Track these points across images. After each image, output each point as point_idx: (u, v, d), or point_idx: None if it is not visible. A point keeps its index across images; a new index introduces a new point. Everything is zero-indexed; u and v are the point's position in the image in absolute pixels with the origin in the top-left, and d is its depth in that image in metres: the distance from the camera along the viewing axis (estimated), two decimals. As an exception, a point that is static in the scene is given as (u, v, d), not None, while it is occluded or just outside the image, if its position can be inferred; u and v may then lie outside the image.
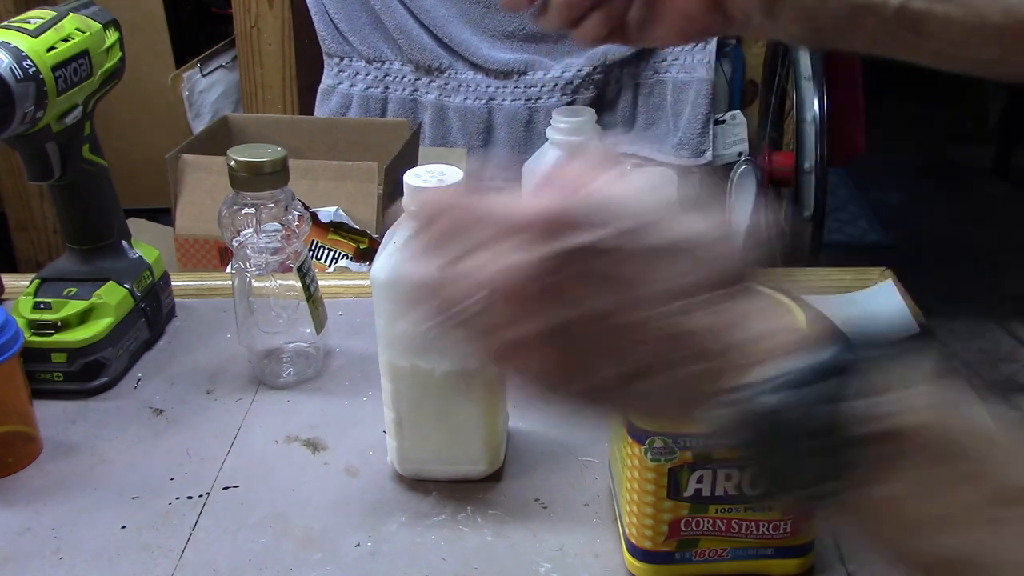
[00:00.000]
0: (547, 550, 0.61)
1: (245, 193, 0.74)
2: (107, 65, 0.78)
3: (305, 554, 0.61)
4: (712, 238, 0.39)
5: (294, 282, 0.77)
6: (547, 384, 0.41)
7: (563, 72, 1.95)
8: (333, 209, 1.47)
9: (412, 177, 0.61)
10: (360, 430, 0.73)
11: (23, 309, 0.77)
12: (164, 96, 2.01)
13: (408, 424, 0.65)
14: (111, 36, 0.79)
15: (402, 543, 0.62)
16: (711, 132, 1.97)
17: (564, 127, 0.70)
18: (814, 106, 1.74)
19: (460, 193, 0.43)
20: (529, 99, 1.97)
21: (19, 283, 0.91)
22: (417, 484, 0.67)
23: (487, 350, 0.41)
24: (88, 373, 0.77)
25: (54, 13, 0.74)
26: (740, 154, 1.99)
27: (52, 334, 0.76)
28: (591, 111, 0.71)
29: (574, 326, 0.38)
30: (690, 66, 1.96)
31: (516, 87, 1.97)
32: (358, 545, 0.62)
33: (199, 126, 1.98)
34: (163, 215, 1.73)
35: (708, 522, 0.56)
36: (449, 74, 1.98)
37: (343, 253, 1.41)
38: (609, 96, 2.00)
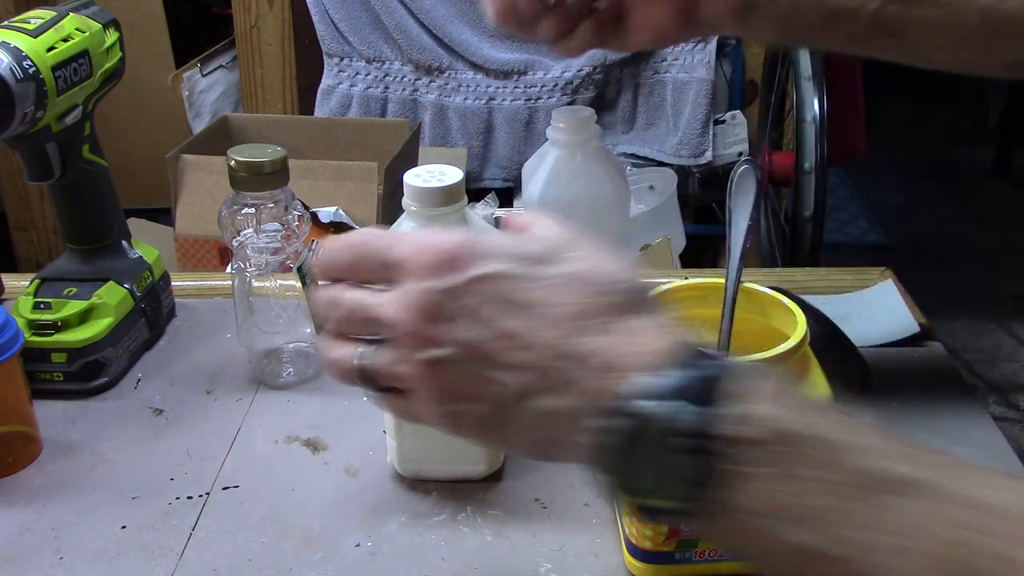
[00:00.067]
0: (547, 550, 0.61)
1: (245, 193, 0.74)
2: (107, 65, 0.78)
3: (305, 554, 0.61)
4: (606, 268, 0.43)
5: (294, 282, 0.77)
6: (439, 412, 0.44)
7: (563, 72, 1.95)
8: (333, 209, 1.47)
9: (412, 177, 0.61)
10: (360, 430, 0.73)
11: (23, 309, 0.77)
12: (164, 96, 2.01)
13: (408, 424, 0.65)
14: (111, 36, 0.79)
15: (402, 543, 0.62)
16: (711, 132, 1.97)
17: (564, 127, 0.70)
18: (814, 106, 1.74)
19: (366, 234, 0.47)
20: (529, 99, 1.97)
21: (19, 283, 0.91)
22: (417, 484, 0.67)
23: (381, 380, 0.46)
24: (88, 373, 0.77)
25: (54, 13, 0.74)
26: (740, 154, 1.99)
27: (52, 334, 0.76)
28: (591, 111, 0.71)
29: (459, 353, 0.42)
30: (690, 66, 1.96)
31: (516, 87, 1.97)
32: (358, 545, 0.62)
33: (199, 126, 1.98)
34: (163, 215, 1.73)
35: (708, 522, 0.56)
36: (449, 74, 1.98)
37: (343, 253, 1.41)
38: (609, 96, 2.00)
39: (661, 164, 1.99)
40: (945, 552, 0.35)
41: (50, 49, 0.71)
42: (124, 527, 0.64)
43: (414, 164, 1.60)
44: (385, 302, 0.44)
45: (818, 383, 0.56)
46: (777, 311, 0.60)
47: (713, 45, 1.93)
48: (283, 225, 0.76)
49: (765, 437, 0.37)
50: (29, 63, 0.69)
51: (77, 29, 0.75)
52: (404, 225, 0.62)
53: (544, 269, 0.43)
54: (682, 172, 1.97)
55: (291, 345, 0.80)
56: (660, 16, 0.62)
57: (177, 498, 0.66)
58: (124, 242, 0.84)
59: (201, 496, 0.67)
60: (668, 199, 1.83)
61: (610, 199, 0.71)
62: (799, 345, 0.55)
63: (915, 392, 0.77)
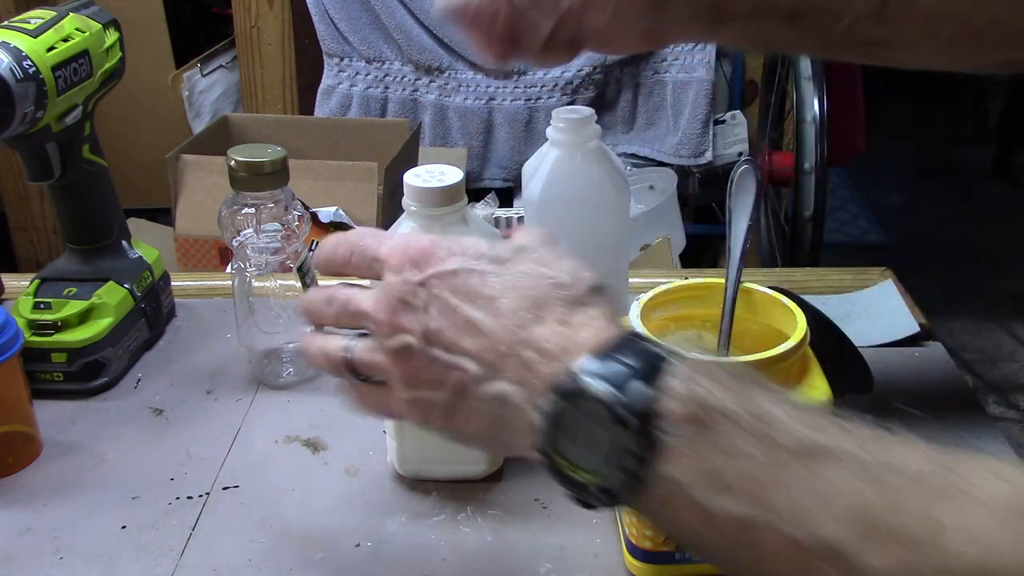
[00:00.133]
0: (547, 550, 0.61)
1: (245, 193, 0.74)
2: (107, 65, 0.78)
3: (305, 554, 0.61)
4: (561, 267, 0.47)
5: (294, 282, 0.77)
6: (408, 399, 0.49)
7: (563, 72, 1.95)
8: (333, 209, 1.47)
9: (412, 177, 0.61)
10: (360, 430, 0.73)
11: (23, 309, 0.77)
12: (164, 96, 2.01)
13: (408, 424, 0.65)
14: (111, 36, 0.79)
15: (402, 543, 0.62)
16: (711, 132, 1.98)
17: (564, 127, 0.70)
18: (814, 106, 1.74)
19: (362, 232, 0.52)
20: (529, 99, 1.97)
21: (19, 283, 0.91)
22: (417, 484, 0.67)
23: (360, 369, 0.50)
24: (88, 373, 0.77)
25: (54, 13, 0.74)
26: (740, 154, 1.99)
27: (52, 334, 0.76)
28: (591, 111, 0.71)
29: (424, 340, 0.46)
30: (690, 66, 1.96)
31: (516, 87, 1.97)
32: (358, 545, 0.62)
33: (199, 126, 1.98)
34: (163, 215, 1.74)
35: (708, 522, 0.56)
36: (449, 74, 1.99)
37: (343, 253, 1.41)
38: (609, 96, 2.00)
39: (661, 164, 1.99)
40: (863, 508, 0.36)
41: (50, 49, 0.71)
42: (124, 527, 0.64)
43: (414, 164, 1.60)
44: (367, 296, 0.50)
45: (818, 383, 0.56)
46: (777, 311, 0.60)
47: (713, 45, 1.93)
48: (283, 225, 0.76)
49: (700, 413, 0.39)
50: (29, 63, 0.69)
51: (77, 29, 0.75)
52: (404, 225, 0.62)
53: (506, 267, 0.47)
54: (682, 172, 1.97)
55: (291, 345, 0.80)
56: (628, 31, 0.61)
57: (177, 498, 0.66)
58: (124, 242, 0.84)
59: (201, 496, 0.67)
60: (668, 199, 1.83)
61: (610, 199, 0.71)
62: (799, 345, 0.55)
63: (915, 392, 0.77)
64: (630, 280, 0.77)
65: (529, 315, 0.45)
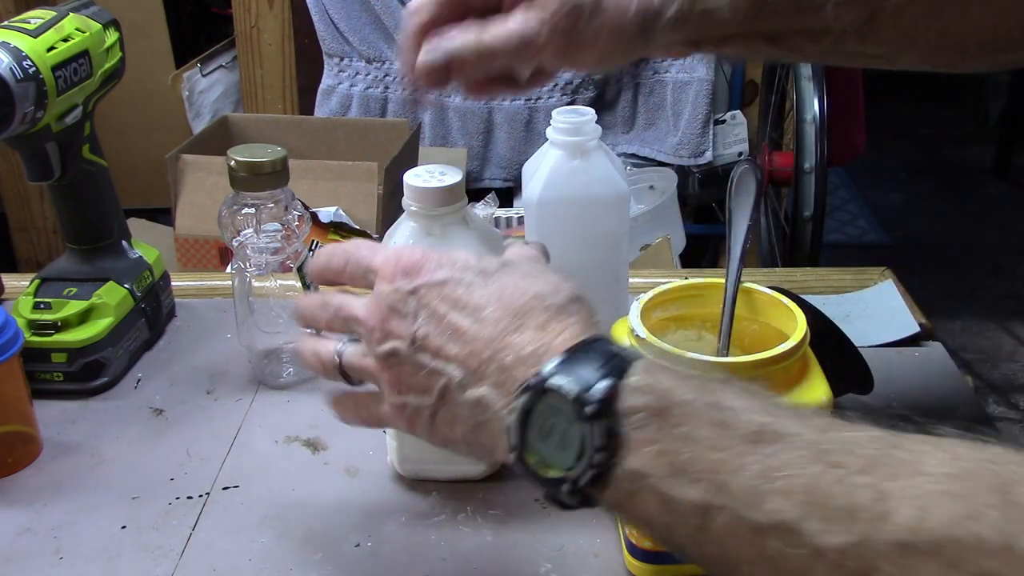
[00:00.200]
0: (547, 550, 0.61)
1: (245, 193, 0.74)
2: (107, 65, 0.78)
3: (305, 554, 0.61)
4: (544, 279, 0.49)
5: (294, 282, 0.77)
6: (395, 404, 0.51)
7: (563, 72, 1.95)
8: (333, 209, 1.47)
9: (412, 177, 0.61)
10: (360, 430, 0.72)
11: (23, 309, 0.77)
12: (164, 96, 2.01)
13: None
14: (111, 36, 0.79)
15: (402, 543, 0.62)
16: (711, 132, 1.98)
17: (564, 127, 0.70)
18: (814, 106, 1.74)
19: (357, 243, 0.54)
20: (529, 99, 1.97)
21: (19, 283, 0.91)
22: (417, 484, 0.67)
23: (352, 373, 0.53)
24: (88, 373, 0.77)
25: (54, 13, 0.74)
26: (740, 154, 1.99)
27: (52, 334, 0.76)
28: (591, 111, 0.71)
29: (411, 345, 0.49)
30: (690, 66, 1.96)
31: (516, 87, 1.97)
32: (358, 545, 0.62)
33: (199, 126, 1.98)
34: (163, 215, 1.73)
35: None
36: (449, 74, 1.98)
37: (343, 253, 1.41)
38: (609, 96, 2.00)
39: (661, 164, 1.99)
40: (816, 488, 0.37)
41: (50, 49, 0.71)
42: (124, 527, 0.64)
43: (414, 164, 1.60)
44: (360, 303, 0.52)
45: (818, 383, 0.56)
46: (777, 311, 0.60)
47: (713, 45, 1.93)
48: (283, 225, 0.76)
49: (659, 405, 0.41)
50: (29, 63, 0.69)
51: (77, 29, 0.75)
52: (404, 225, 0.62)
53: (492, 279, 0.49)
54: (682, 172, 1.97)
55: (291, 345, 0.80)
56: (613, 52, 0.60)
57: (177, 498, 0.66)
58: (124, 242, 0.84)
59: (201, 496, 0.67)
60: (668, 199, 1.83)
61: (610, 199, 0.71)
62: (799, 345, 0.55)
63: (915, 392, 0.77)
64: (630, 280, 0.77)
65: (511, 324, 0.47)
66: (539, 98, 1.97)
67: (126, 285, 0.81)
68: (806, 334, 0.56)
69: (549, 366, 0.44)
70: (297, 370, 0.80)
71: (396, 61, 1.97)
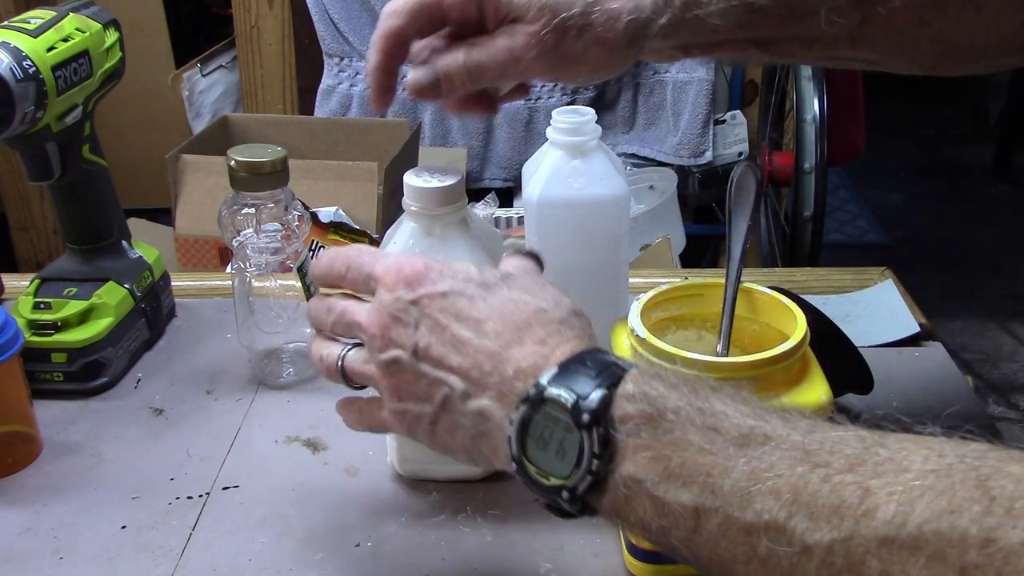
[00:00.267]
0: (547, 550, 0.61)
1: (245, 193, 0.74)
2: (107, 65, 0.78)
3: (305, 554, 0.61)
4: (545, 294, 0.50)
5: (294, 282, 0.77)
6: (395, 410, 0.51)
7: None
8: (333, 209, 1.47)
9: (412, 177, 0.61)
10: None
11: (23, 309, 0.77)
12: (164, 96, 2.01)
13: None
14: (111, 36, 0.79)
15: (402, 543, 0.62)
16: (711, 132, 1.97)
17: (564, 127, 0.70)
18: (814, 106, 1.74)
19: (359, 249, 0.54)
20: (529, 99, 1.97)
21: (19, 283, 0.91)
22: (417, 484, 0.67)
23: (354, 378, 0.54)
24: (88, 373, 0.77)
25: (54, 13, 0.74)
26: (740, 154, 1.99)
27: (52, 334, 0.76)
28: (591, 111, 0.71)
29: (413, 355, 0.49)
30: (690, 66, 1.96)
31: (516, 87, 1.97)
32: (358, 545, 0.62)
33: (199, 126, 1.98)
34: (163, 215, 1.73)
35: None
36: (449, 74, 1.98)
37: (343, 253, 1.41)
38: (609, 96, 2.00)
39: (661, 164, 1.99)
40: (803, 487, 0.38)
41: (50, 49, 0.71)
42: (124, 527, 0.64)
43: (414, 164, 1.60)
44: (362, 309, 0.52)
45: (818, 383, 0.56)
46: (777, 311, 0.60)
47: (713, 45, 1.93)
48: (283, 225, 0.76)
49: (652, 411, 0.42)
50: (29, 63, 0.69)
51: (77, 29, 0.75)
52: (404, 225, 0.62)
53: (493, 292, 0.50)
54: (682, 172, 1.97)
55: (291, 345, 0.80)
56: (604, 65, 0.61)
57: (177, 498, 0.66)
58: (124, 242, 0.84)
59: (201, 496, 0.67)
60: (668, 199, 1.83)
61: (610, 199, 0.71)
62: (799, 345, 0.55)
63: (915, 392, 0.77)
64: (630, 280, 0.77)
65: (513, 337, 0.48)
66: (539, 98, 1.97)
67: (126, 285, 0.81)
68: (806, 334, 0.56)
69: (546, 378, 0.45)
70: (297, 370, 0.80)
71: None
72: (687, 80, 1.96)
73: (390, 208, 1.52)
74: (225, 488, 0.68)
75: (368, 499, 0.66)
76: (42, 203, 2.14)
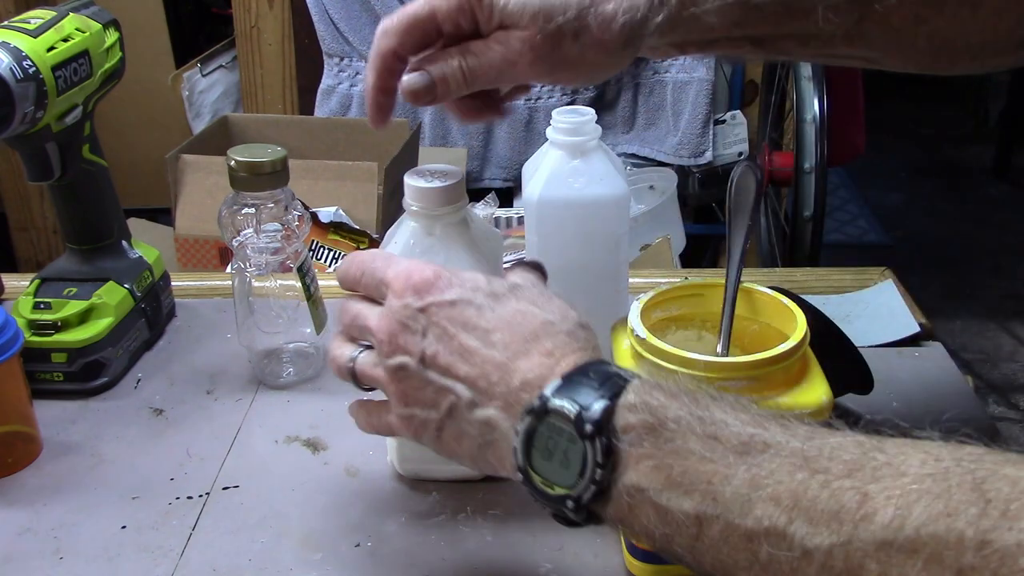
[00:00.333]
0: (547, 550, 0.61)
1: (245, 193, 0.74)
2: (107, 65, 0.78)
3: (305, 554, 0.61)
4: (552, 306, 0.51)
5: (294, 282, 0.77)
6: (402, 415, 0.52)
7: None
8: (333, 209, 1.47)
9: (412, 177, 0.61)
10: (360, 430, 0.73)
11: (23, 309, 0.77)
12: (164, 96, 2.01)
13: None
14: (111, 36, 0.79)
15: (402, 543, 0.62)
16: (711, 132, 1.97)
17: (564, 127, 0.70)
18: (814, 106, 1.74)
19: (374, 255, 0.56)
20: (529, 99, 1.97)
21: (19, 283, 0.91)
22: (417, 484, 0.67)
23: (363, 380, 0.55)
24: (88, 373, 0.77)
25: (54, 13, 0.74)
26: (740, 154, 1.99)
27: (52, 334, 0.76)
28: (591, 111, 0.71)
29: (421, 362, 0.50)
30: (690, 66, 1.96)
31: (516, 87, 1.97)
32: (358, 545, 0.62)
33: (199, 126, 1.98)
34: (163, 215, 1.74)
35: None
36: (449, 74, 1.98)
37: (343, 253, 1.41)
38: (609, 96, 2.00)
39: (661, 164, 1.99)
40: (803, 493, 0.39)
41: (50, 49, 0.71)
42: (124, 527, 0.64)
43: (414, 164, 1.60)
44: (373, 313, 0.53)
45: (818, 383, 0.56)
46: (777, 311, 0.60)
47: (713, 45, 1.93)
48: (283, 225, 0.76)
49: (653, 421, 0.43)
50: (29, 63, 0.69)
51: (77, 29, 0.75)
52: (405, 225, 0.62)
53: (501, 302, 0.51)
54: (682, 172, 1.97)
55: (291, 345, 0.80)
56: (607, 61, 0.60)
57: (177, 498, 0.66)
58: (124, 242, 0.84)
59: (201, 496, 0.67)
60: (668, 199, 1.83)
61: (610, 199, 0.71)
62: (799, 345, 0.55)
63: (915, 392, 0.77)
64: (630, 280, 0.77)
65: (520, 348, 0.49)
66: (539, 98, 1.97)
67: (126, 285, 0.81)
68: (806, 334, 0.56)
69: (550, 389, 0.46)
70: (297, 370, 0.80)
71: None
72: (687, 80, 1.96)
73: (390, 208, 1.52)
74: (225, 488, 0.68)
75: (368, 499, 0.66)
76: (42, 203, 2.14)
